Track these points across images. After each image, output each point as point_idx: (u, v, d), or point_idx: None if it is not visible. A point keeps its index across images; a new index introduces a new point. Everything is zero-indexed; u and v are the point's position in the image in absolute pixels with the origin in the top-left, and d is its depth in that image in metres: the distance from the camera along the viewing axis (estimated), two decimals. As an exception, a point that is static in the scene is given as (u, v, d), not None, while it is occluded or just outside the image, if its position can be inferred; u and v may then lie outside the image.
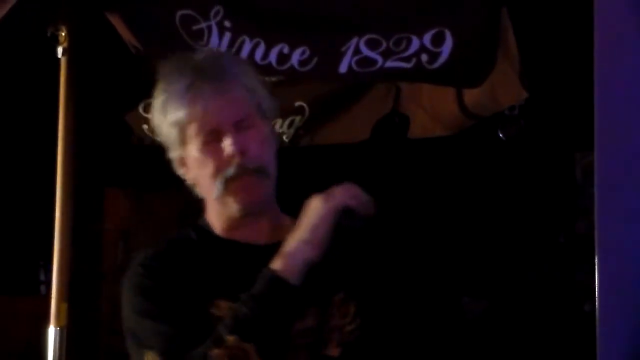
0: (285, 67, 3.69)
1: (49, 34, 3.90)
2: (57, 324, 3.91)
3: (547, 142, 5.79)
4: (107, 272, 5.76)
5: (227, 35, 3.68)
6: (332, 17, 3.69)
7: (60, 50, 3.90)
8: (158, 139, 2.23)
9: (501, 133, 4.15)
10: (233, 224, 2.23)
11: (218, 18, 3.67)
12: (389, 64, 3.57)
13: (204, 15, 3.67)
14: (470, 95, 3.88)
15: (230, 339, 1.99)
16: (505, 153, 5.33)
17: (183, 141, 2.17)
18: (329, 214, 2.06)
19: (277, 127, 4.08)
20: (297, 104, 4.11)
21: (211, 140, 2.15)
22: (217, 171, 2.15)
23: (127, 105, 4.17)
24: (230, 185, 2.15)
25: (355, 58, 3.62)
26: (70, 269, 3.93)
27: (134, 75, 4.05)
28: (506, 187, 5.95)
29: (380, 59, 3.59)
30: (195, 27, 3.67)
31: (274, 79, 3.95)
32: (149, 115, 4.06)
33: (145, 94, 4.07)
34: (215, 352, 2.00)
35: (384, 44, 3.60)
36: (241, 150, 2.13)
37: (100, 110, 4.41)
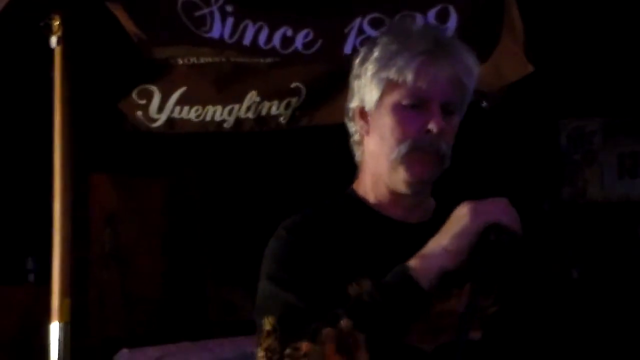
0: (290, 50, 3.65)
1: (42, 24, 3.81)
2: (61, 319, 3.85)
3: (531, 109, 5.78)
4: (95, 259, 5.68)
5: (230, 20, 3.62)
6: None
7: (54, 39, 3.83)
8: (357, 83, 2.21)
9: (483, 102, 4.13)
10: (392, 199, 2.20)
11: (219, 3, 3.61)
12: None
13: (206, 1, 3.61)
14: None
15: (345, 322, 1.94)
16: (488, 121, 5.33)
17: (381, 97, 2.16)
18: (474, 228, 1.98)
19: (273, 109, 4.02)
20: (293, 85, 4.03)
21: (414, 107, 2.13)
22: (407, 136, 2.12)
23: (120, 93, 4.09)
24: (412, 155, 2.12)
25: (359, 38, 3.58)
26: (71, 262, 3.86)
27: (127, 62, 3.98)
28: (491, 155, 5.95)
29: None
30: (197, 14, 3.61)
31: (268, 60, 3.90)
32: (142, 102, 4.06)
33: (138, 80, 4.06)
34: (327, 330, 1.94)
35: (388, 23, 3.56)
36: (440, 131, 2.11)
37: (94, 99, 4.32)
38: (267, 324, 2.03)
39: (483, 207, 2.01)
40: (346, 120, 2.29)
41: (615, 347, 5.54)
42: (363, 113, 2.22)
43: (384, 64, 2.14)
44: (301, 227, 2.17)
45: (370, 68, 2.17)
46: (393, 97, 2.14)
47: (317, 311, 1.99)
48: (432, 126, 2.11)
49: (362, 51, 2.23)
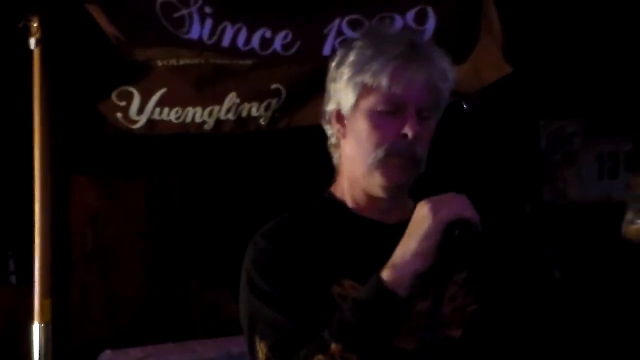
0: (269, 51, 3.66)
1: (20, 26, 3.82)
2: (42, 320, 3.86)
3: (511, 111, 5.80)
4: (77, 260, 5.69)
5: (209, 22, 3.63)
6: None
7: (33, 41, 3.83)
8: (334, 87, 2.22)
9: (464, 104, 4.14)
10: (368, 201, 2.22)
11: (198, 4, 3.62)
12: None
13: (184, 2, 3.61)
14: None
15: (335, 347, 1.95)
16: (469, 123, 5.34)
17: (356, 101, 2.17)
18: (439, 226, 1.99)
19: (253, 110, 4.02)
20: (273, 86, 4.03)
21: (391, 112, 2.14)
22: (383, 142, 2.14)
23: (100, 94, 4.08)
24: (388, 160, 2.14)
25: (338, 39, 3.59)
26: (52, 264, 3.86)
27: (107, 63, 3.97)
28: (471, 156, 5.96)
29: None
30: (176, 15, 3.62)
31: (248, 62, 3.90)
32: (122, 104, 4.05)
33: (118, 82, 4.06)
34: (319, 357, 1.96)
35: (367, 24, 3.57)
36: (416, 136, 2.12)
37: (73, 100, 4.32)
38: (260, 351, 2.05)
39: (442, 204, 2.01)
40: (323, 123, 2.30)
41: (597, 346, 5.56)
42: (339, 116, 2.23)
43: (359, 68, 2.16)
44: (279, 233, 2.19)
45: (346, 72, 2.18)
46: (368, 102, 2.16)
47: (307, 329, 2.01)
48: (408, 131, 2.12)
49: (338, 54, 2.24)
